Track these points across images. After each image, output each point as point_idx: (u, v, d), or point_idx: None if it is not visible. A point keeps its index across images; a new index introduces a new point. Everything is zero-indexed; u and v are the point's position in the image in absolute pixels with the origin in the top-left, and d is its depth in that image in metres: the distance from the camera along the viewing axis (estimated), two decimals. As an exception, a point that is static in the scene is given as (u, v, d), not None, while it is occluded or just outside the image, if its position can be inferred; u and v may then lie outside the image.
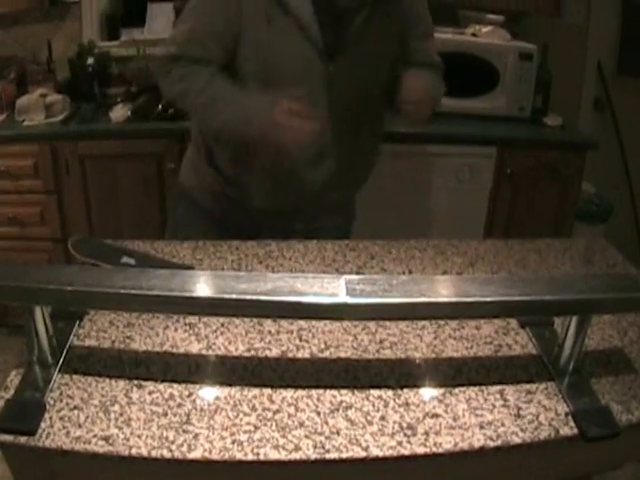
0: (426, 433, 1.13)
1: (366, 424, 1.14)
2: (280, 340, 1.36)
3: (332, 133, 1.87)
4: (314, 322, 1.41)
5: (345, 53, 1.81)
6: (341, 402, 1.19)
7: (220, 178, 2.02)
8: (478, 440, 1.12)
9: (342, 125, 1.88)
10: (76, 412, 1.14)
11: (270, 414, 1.16)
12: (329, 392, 1.21)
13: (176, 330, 1.38)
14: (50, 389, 1.19)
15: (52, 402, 1.16)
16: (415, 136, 3.20)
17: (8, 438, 1.09)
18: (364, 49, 1.82)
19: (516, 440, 1.12)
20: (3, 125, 3.13)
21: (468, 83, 3.31)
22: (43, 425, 1.11)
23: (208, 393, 1.21)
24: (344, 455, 1.08)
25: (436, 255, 1.74)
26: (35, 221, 3.17)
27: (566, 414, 1.18)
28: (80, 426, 1.11)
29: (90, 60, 3.36)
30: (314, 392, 1.21)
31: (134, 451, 1.07)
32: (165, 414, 1.15)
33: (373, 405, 1.19)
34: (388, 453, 1.09)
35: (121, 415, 1.14)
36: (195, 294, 1.13)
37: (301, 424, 1.14)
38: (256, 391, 1.21)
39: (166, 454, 1.07)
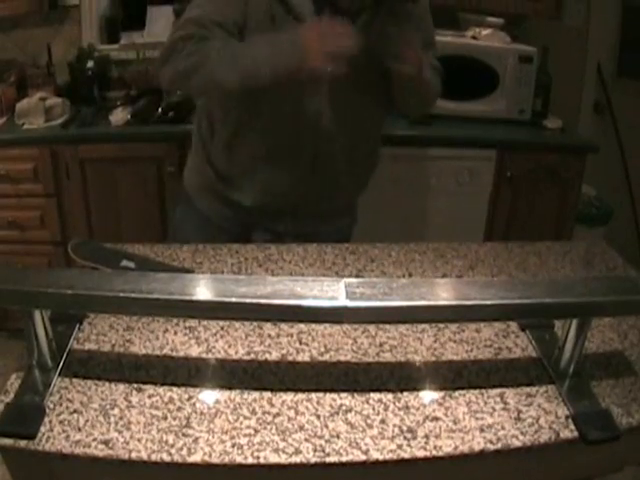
0: (426, 436, 1.13)
1: (366, 427, 1.14)
2: (280, 343, 1.36)
3: (329, 139, 1.88)
4: (314, 325, 1.41)
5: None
6: (341, 405, 1.19)
7: (214, 175, 2.02)
8: (478, 443, 1.12)
9: (340, 131, 1.88)
10: (76, 416, 1.14)
11: (270, 417, 1.15)
12: (329, 395, 1.21)
13: (176, 333, 1.38)
14: (50, 393, 1.19)
15: (52, 406, 1.16)
16: (415, 139, 3.21)
17: (8, 442, 1.09)
18: (363, 55, 1.79)
19: (516, 443, 1.12)
20: (3, 129, 3.13)
21: (468, 86, 3.32)
22: (43, 429, 1.11)
23: (208, 396, 1.21)
24: (344, 459, 1.08)
25: (436, 258, 1.74)
26: (35, 225, 3.17)
27: (566, 417, 1.18)
28: (80, 430, 1.11)
29: (90, 63, 3.37)
30: (314, 395, 1.21)
31: (134, 455, 1.07)
32: (165, 417, 1.15)
33: (373, 408, 1.19)
34: (388, 456, 1.09)
35: (121, 419, 1.14)
36: (195, 297, 1.13)
37: (301, 427, 1.13)
38: (256, 394, 1.21)
39: (166, 458, 1.07)
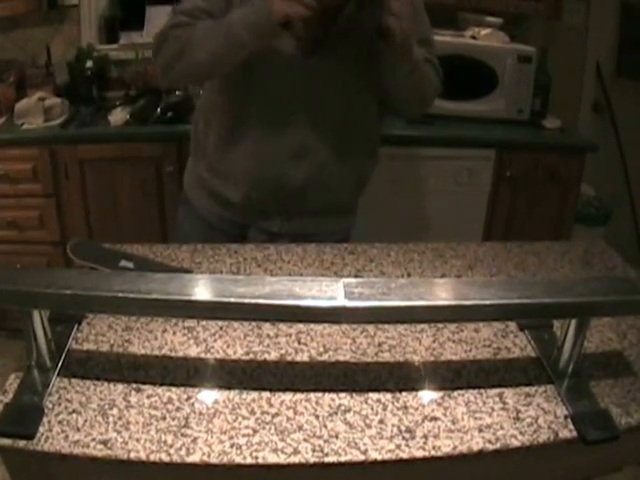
0: (425, 436, 1.13)
1: (365, 427, 1.14)
2: (279, 343, 1.36)
3: (314, 129, 1.86)
4: (313, 325, 1.41)
5: (328, 49, 1.80)
6: (340, 405, 1.19)
7: (207, 172, 2.03)
8: (477, 443, 1.12)
9: (326, 122, 1.87)
10: (75, 416, 1.14)
11: (269, 417, 1.15)
12: (328, 395, 1.21)
13: (175, 334, 1.38)
14: (49, 393, 1.19)
15: (51, 406, 1.16)
16: (414, 139, 3.21)
17: (7, 442, 1.09)
18: (348, 46, 1.81)
19: (515, 443, 1.12)
20: (2, 129, 3.13)
21: (467, 86, 3.32)
22: (42, 429, 1.11)
23: (207, 397, 1.21)
24: (343, 459, 1.08)
25: (435, 258, 1.74)
26: (34, 225, 3.17)
27: (565, 417, 1.18)
28: (79, 430, 1.11)
29: (89, 63, 3.37)
30: (313, 395, 1.21)
31: (133, 455, 1.07)
32: (164, 418, 1.15)
33: (372, 408, 1.19)
34: (387, 456, 1.09)
35: (120, 419, 1.14)
36: (193, 298, 1.13)
37: (300, 427, 1.13)
38: (255, 394, 1.21)
39: (164, 458, 1.07)
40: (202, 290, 1.16)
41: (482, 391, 1.24)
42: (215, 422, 1.14)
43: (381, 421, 1.16)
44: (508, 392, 1.24)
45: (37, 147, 3.03)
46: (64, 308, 1.29)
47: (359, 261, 1.71)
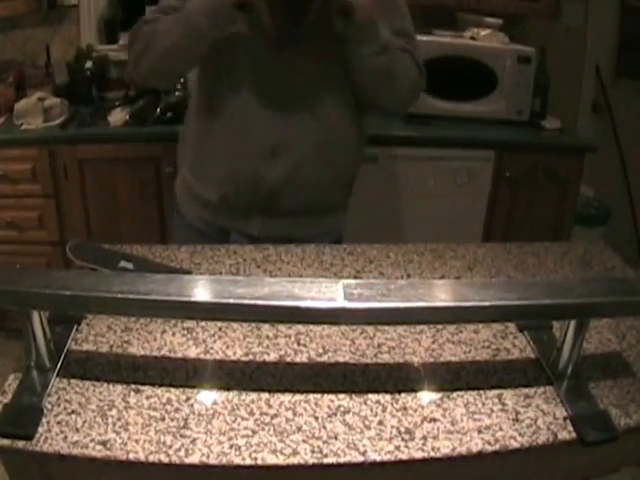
0: (424, 438, 1.13)
1: (364, 429, 1.14)
2: (278, 344, 1.36)
3: (289, 127, 1.85)
4: (312, 326, 1.41)
5: (299, 44, 1.79)
6: (339, 407, 1.19)
7: (188, 173, 2.04)
8: (476, 444, 1.12)
9: (300, 120, 1.85)
10: (74, 417, 1.14)
11: (268, 419, 1.16)
12: (327, 396, 1.21)
13: (174, 335, 1.38)
14: (48, 393, 1.19)
15: (50, 407, 1.16)
16: (413, 139, 3.21)
17: (6, 442, 1.09)
18: (320, 41, 1.79)
19: (514, 444, 1.12)
20: (1, 129, 3.13)
21: (466, 86, 3.33)
22: (41, 430, 1.11)
23: (206, 398, 1.21)
24: (342, 460, 1.08)
25: (434, 259, 1.74)
26: (33, 225, 3.17)
27: (564, 418, 1.18)
28: (78, 431, 1.11)
29: (88, 64, 3.37)
30: (312, 396, 1.21)
31: (132, 456, 1.07)
32: (163, 419, 1.15)
33: (371, 410, 1.19)
34: (386, 458, 1.09)
35: (119, 420, 1.14)
36: (193, 299, 1.13)
37: (299, 428, 1.13)
38: (254, 395, 1.21)
39: (164, 459, 1.07)
40: (201, 291, 1.16)
41: (481, 392, 1.24)
42: (214, 423, 1.14)
43: (380, 422, 1.16)
44: (507, 393, 1.24)
45: (36, 147, 3.03)
46: (63, 309, 1.29)
47: (358, 262, 1.71)
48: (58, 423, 1.13)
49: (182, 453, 1.08)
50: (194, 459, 1.07)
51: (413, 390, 1.24)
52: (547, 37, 3.65)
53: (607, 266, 1.75)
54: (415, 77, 1.94)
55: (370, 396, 1.22)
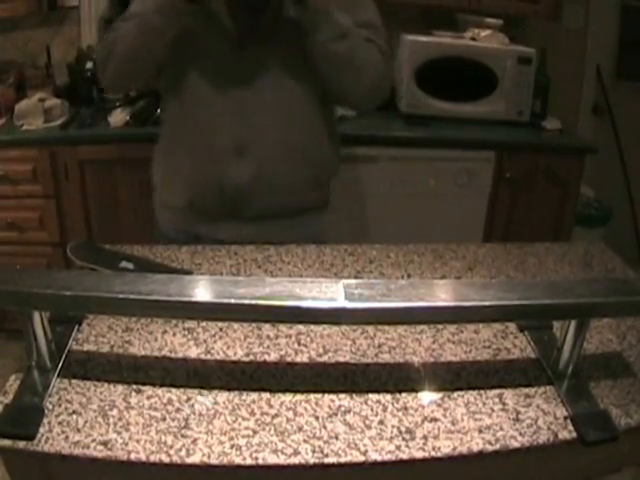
0: (425, 437, 1.13)
1: (365, 428, 1.14)
2: (279, 344, 1.36)
3: (253, 126, 1.83)
4: (312, 326, 1.41)
5: (260, 41, 1.78)
6: (340, 406, 1.19)
7: (158, 181, 2.03)
8: (477, 444, 1.12)
9: (264, 119, 1.83)
10: (75, 417, 1.14)
11: (269, 418, 1.16)
12: (328, 396, 1.21)
13: (175, 335, 1.38)
14: (49, 394, 1.19)
15: (51, 407, 1.16)
16: (414, 140, 3.21)
17: (7, 443, 1.09)
18: (281, 37, 1.78)
19: (515, 444, 1.12)
20: (2, 130, 3.13)
21: (467, 87, 3.33)
22: (42, 430, 1.11)
23: (206, 398, 1.21)
24: (342, 459, 1.08)
25: (435, 259, 1.74)
26: (34, 226, 3.17)
27: (565, 418, 1.18)
28: (79, 431, 1.11)
29: (89, 65, 3.37)
30: (312, 396, 1.21)
31: (133, 456, 1.07)
32: (164, 419, 1.15)
33: (372, 409, 1.19)
34: (387, 457, 1.09)
35: (120, 420, 1.14)
36: (194, 299, 1.13)
37: (300, 428, 1.14)
38: (255, 395, 1.21)
39: (165, 459, 1.07)
40: (202, 291, 1.16)
41: (482, 392, 1.24)
42: (215, 423, 1.14)
43: (381, 422, 1.16)
44: (508, 393, 1.24)
45: (37, 148, 3.03)
46: (64, 309, 1.29)
47: (359, 262, 1.71)
48: (59, 423, 1.13)
49: (183, 453, 1.08)
50: (195, 459, 1.07)
51: (414, 390, 1.24)
52: (547, 38, 3.66)
53: (607, 267, 1.75)
54: (381, 68, 1.87)
55: (371, 396, 1.22)
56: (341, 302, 1.11)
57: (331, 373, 1.29)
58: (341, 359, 1.32)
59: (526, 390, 1.25)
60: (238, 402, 1.19)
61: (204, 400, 1.19)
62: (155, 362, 1.30)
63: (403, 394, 1.23)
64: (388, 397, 1.22)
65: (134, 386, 1.22)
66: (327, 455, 1.08)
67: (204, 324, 1.41)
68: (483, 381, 1.27)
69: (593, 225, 3.76)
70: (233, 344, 1.35)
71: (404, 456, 1.09)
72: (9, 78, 3.35)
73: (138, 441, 1.10)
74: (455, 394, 1.24)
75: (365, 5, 1.90)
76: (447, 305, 1.16)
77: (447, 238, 1.91)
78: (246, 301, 1.11)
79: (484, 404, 1.21)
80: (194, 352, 1.33)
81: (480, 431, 1.14)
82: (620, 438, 1.15)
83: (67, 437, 1.10)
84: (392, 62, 1.95)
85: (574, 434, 1.15)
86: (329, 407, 1.19)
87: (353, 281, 1.17)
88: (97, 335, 1.37)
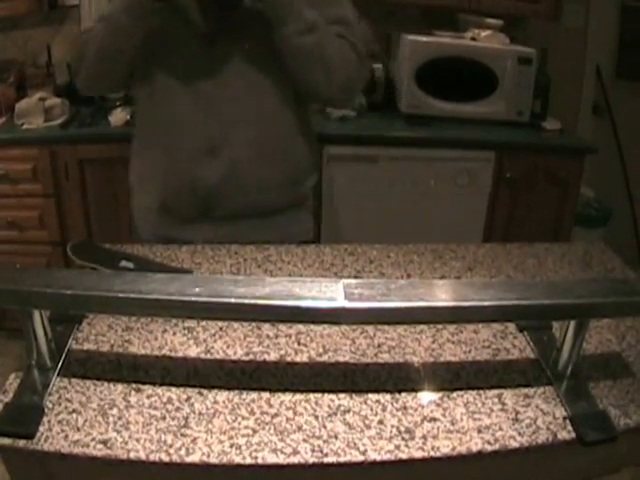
0: (424, 437, 1.13)
1: (364, 428, 1.14)
2: (278, 344, 1.36)
3: (224, 124, 1.81)
4: (312, 326, 1.41)
5: (229, 37, 1.76)
6: (339, 406, 1.19)
7: (134, 182, 2.04)
8: (476, 444, 1.12)
9: (236, 116, 1.81)
10: (74, 416, 1.14)
11: (268, 418, 1.16)
12: (327, 396, 1.21)
13: (174, 334, 1.38)
14: (49, 393, 1.19)
15: (51, 406, 1.17)
16: (414, 140, 3.22)
17: (6, 441, 1.09)
18: (251, 34, 1.76)
19: (514, 444, 1.12)
20: (2, 129, 3.13)
21: (467, 87, 3.33)
22: (41, 429, 1.11)
23: (206, 397, 1.21)
24: (342, 459, 1.08)
25: (434, 259, 1.74)
26: (34, 225, 3.17)
27: (564, 418, 1.18)
28: (78, 430, 1.11)
29: (89, 64, 3.37)
30: (312, 396, 1.21)
31: (132, 455, 1.07)
32: (163, 418, 1.15)
33: (371, 409, 1.19)
34: (386, 457, 1.09)
35: (119, 419, 1.14)
36: (194, 298, 1.13)
37: (299, 428, 1.14)
38: (254, 395, 1.21)
39: (164, 458, 1.07)
40: (202, 290, 1.16)
41: (481, 392, 1.24)
42: (215, 422, 1.14)
43: (380, 422, 1.16)
44: (507, 393, 1.24)
45: (37, 147, 3.03)
46: (64, 308, 1.29)
47: (359, 262, 1.71)
48: (59, 422, 1.13)
49: (183, 452, 1.08)
50: (195, 458, 1.07)
51: (413, 390, 1.24)
52: (548, 38, 3.66)
53: (607, 267, 1.75)
54: (353, 63, 1.85)
55: (370, 396, 1.22)
56: (341, 302, 1.11)
57: (331, 373, 1.29)
58: (341, 359, 1.32)
59: (525, 390, 1.25)
60: (238, 401, 1.19)
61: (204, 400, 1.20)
62: (155, 361, 1.30)
63: (402, 394, 1.23)
64: (387, 397, 1.22)
65: (134, 385, 1.22)
66: (326, 455, 1.08)
67: (204, 323, 1.41)
68: (482, 381, 1.27)
69: (593, 225, 3.76)
70: (233, 343, 1.35)
71: (403, 456, 1.09)
72: (9, 77, 3.36)
73: (138, 440, 1.10)
74: (454, 394, 1.24)
75: (339, 1, 1.88)
76: (447, 305, 1.16)
77: (447, 238, 1.91)
78: (246, 301, 1.11)
79: (483, 404, 1.21)
80: (194, 351, 1.33)
81: (479, 431, 1.14)
82: (619, 438, 1.15)
83: (67, 436, 1.10)
84: (367, 60, 1.92)
85: (573, 434, 1.15)
86: (329, 407, 1.19)
87: (353, 281, 1.17)
88: (97, 334, 1.37)
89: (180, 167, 1.86)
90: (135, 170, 2.02)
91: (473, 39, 3.35)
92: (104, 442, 1.09)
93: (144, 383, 1.23)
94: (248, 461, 1.07)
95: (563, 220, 3.44)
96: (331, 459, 1.08)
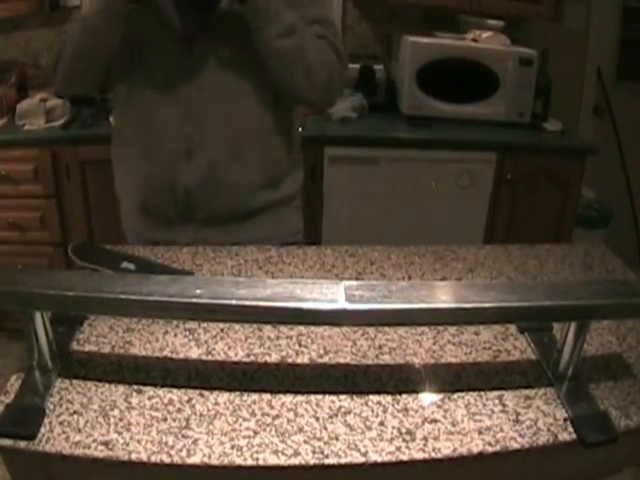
0: (425, 438, 1.13)
1: (365, 429, 1.14)
2: (279, 345, 1.36)
3: (201, 125, 1.80)
4: (313, 328, 1.41)
5: (207, 38, 1.75)
6: (340, 407, 1.19)
7: (117, 185, 2.02)
8: (477, 445, 1.12)
9: (213, 117, 1.80)
10: (76, 417, 1.14)
11: (269, 419, 1.16)
12: (328, 397, 1.21)
13: (176, 335, 1.38)
14: (50, 394, 1.19)
15: (52, 407, 1.17)
16: (415, 141, 3.22)
17: (8, 442, 1.09)
18: (229, 33, 1.74)
19: (515, 445, 1.12)
20: (4, 130, 3.14)
21: (468, 88, 3.34)
22: (43, 430, 1.11)
23: (207, 398, 1.21)
24: (343, 460, 1.08)
25: (435, 261, 1.74)
26: (35, 226, 3.18)
27: (565, 419, 1.18)
28: (80, 431, 1.11)
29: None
30: (313, 397, 1.21)
31: (134, 456, 1.07)
32: (165, 419, 1.15)
33: (372, 410, 1.19)
34: (387, 458, 1.09)
35: (121, 420, 1.14)
36: (195, 300, 1.13)
37: (300, 429, 1.14)
38: (255, 396, 1.21)
39: (165, 459, 1.07)
40: (203, 292, 1.16)
41: (482, 393, 1.24)
42: (216, 424, 1.14)
43: (381, 423, 1.16)
44: (508, 394, 1.24)
45: (38, 148, 3.04)
46: (66, 309, 1.29)
47: (360, 264, 1.71)
48: (60, 423, 1.13)
49: (184, 453, 1.08)
50: (196, 459, 1.07)
51: (414, 391, 1.24)
52: (549, 39, 3.66)
53: (608, 268, 1.75)
54: (333, 64, 1.83)
55: (371, 397, 1.22)
56: (342, 303, 1.11)
57: (332, 374, 1.29)
58: (342, 360, 1.32)
59: (526, 392, 1.25)
60: (239, 403, 1.19)
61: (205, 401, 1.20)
62: (156, 363, 1.30)
63: (403, 395, 1.23)
64: (388, 398, 1.22)
65: (135, 386, 1.22)
66: (327, 456, 1.08)
67: (205, 325, 1.41)
68: (483, 382, 1.27)
69: (594, 226, 3.76)
70: (234, 345, 1.35)
71: (404, 457, 1.09)
72: (11, 78, 3.36)
73: (139, 441, 1.10)
74: (455, 395, 1.24)
75: (319, 0, 1.87)
76: (448, 307, 1.16)
77: (448, 239, 1.91)
78: (247, 302, 1.11)
79: (484, 405, 1.21)
80: (195, 353, 1.33)
81: (480, 432, 1.15)
82: (620, 439, 1.15)
83: (68, 437, 1.10)
84: (347, 61, 1.89)
85: (574, 435, 1.15)
86: (330, 408, 1.19)
87: (354, 282, 1.17)
88: (98, 335, 1.37)
89: (158, 169, 1.84)
90: (116, 173, 2.00)
91: (474, 40, 3.36)
92: (105, 443, 1.09)
93: (145, 384, 1.23)
94: (249, 462, 1.07)
95: (564, 221, 3.45)
96: (332, 460, 1.08)
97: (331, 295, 1.13)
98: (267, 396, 1.21)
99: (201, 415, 1.16)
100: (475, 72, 3.29)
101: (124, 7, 1.66)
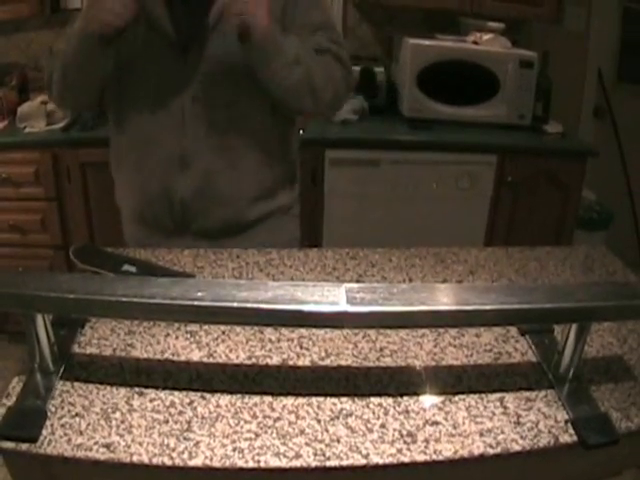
0: (426, 441, 1.13)
1: (366, 432, 1.14)
2: (281, 348, 1.36)
3: (196, 136, 1.79)
4: (314, 330, 1.41)
5: (200, 46, 1.73)
6: (341, 410, 1.19)
7: (116, 194, 2.01)
8: (478, 447, 1.12)
9: (207, 127, 1.78)
10: (77, 419, 1.15)
11: (271, 422, 1.16)
12: (329, 400, 1.22)
13: (177, 338, 1.38)
14: (52, 396, 1.19)
15: (53, 409, 1.17)
16: (416, 143, 3.22)
17: (9, 445, 1.09)
18: (223, 43, 1.72)
19: (516, 447, 1.13)
20: (4, 132, 3.14)
21: (469, 91, 3.34)
22: (44, 432, 1.11)
23: (209, 401, 1.21)
24: (344, 463, 1.08)
25: (436, 263, 1.74)
26: (36, 228, 3.18)
27: (566, 421, 1.18)
28: (81, 433, 1.12)
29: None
30: (314, 400, 1.21)
31: (135, 458, 1.07)
32: (166, 421, 1.15)
33: (373, 413, 1.19)
34: (388, 461, 1.09)
35: (122, 422, 1.14)
36: (196, 302, 1.13)
37: (301, 432, 1.14)
38: (257, 399, 1.21)
39: (167, 461, 1.07)
40: (204, 295, 1.16)
41: (483, 396, 1.24)
42: (217, 426, 1.14)
43: (382, 425, 1.16)
44: (509, 397, 1.24)
45: (39, 151, 3.04)
46: (67, 312, 1.29)
47: (361, 266, 1.72)
48: (62, 426, 1.13)
49: (185, 456, 1.08)
50: (197, 462, 1.07)
51: (415, 393, 1.25)
52: (549, 41, 3.66)
53: (609, 270, 1.75)
54: (339, 79, 1.83)
55: (372, 399, 1.22)
56: (343, 306, 1.12)
57: (333, 376, 1.29)
58: (343, 363, 1.32)
59: (527, 394, 1.25)
60: (240, 405, 1.20)
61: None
62: (157, 365, 1.30)
63: (404, 397, 1.23)
64: (390, 400, 1.22)
65: (136, 389, 1.23)
66: (329, 458, 1.09)
67: (206, 327, 1.41)
68: (484, 385, 1.28)
69: (594, 228, 3.76)
70: (235, 347, 1.36)
71: (405, 459, 1.10)
72: (12, 80, 3.36)
73: (141, 444, 1.10)
74: (456, 397, 1.24)
75: (317, 4, 1.85)
76: (448, 309, 1.16)
77: (449, 241, 1.91)
78: (248, 305, 1.11)
79: (485, 407, 1.21)
80: (196, 355, 1.33)
81: (481, 434, 1.15)
82: (621, 441, 1.15)
83: (70, 439, 1.10)
84: (351, 66, 1.88)
85: (575, 437, 1.15)
86: (331, 410, 1.19)
87: (355, 285, 1.17)
88: (100, 338, 1.37)
89: (154, 178, 1.84)
90: (115, 181, 1.99)
91: (475, 42, 3.36)
92: (107, 446, 1.09)
93: (147, 387, 1.23)
94: (250, 465, 1.07)
95: (565, 223, 3.45)
96: (333, 463, 1.08)
97: (332, 297, 1.13)
98: (268, 398, 1.21)
99: (203, 417, 1.16)
100: (476, 74, 3.29)
101: (105, 40, 1.63)
